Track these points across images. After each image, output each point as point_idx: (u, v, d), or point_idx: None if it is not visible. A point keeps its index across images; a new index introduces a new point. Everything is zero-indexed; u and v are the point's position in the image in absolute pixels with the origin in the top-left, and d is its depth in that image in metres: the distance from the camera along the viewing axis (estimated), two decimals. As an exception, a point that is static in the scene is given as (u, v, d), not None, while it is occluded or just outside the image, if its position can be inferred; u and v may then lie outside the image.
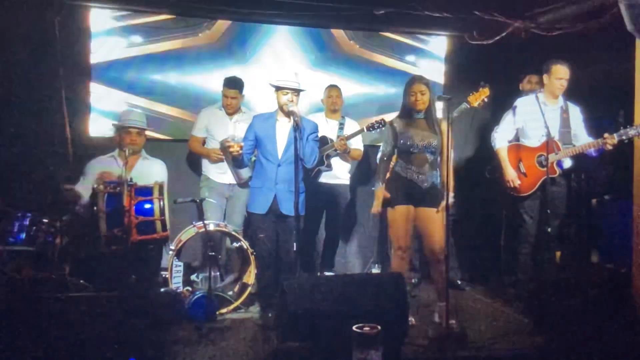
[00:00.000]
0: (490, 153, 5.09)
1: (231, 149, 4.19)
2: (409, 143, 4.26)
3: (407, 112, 4.34)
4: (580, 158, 4.82)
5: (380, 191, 4.37)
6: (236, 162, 4.46)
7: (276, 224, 4.33)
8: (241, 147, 4.20)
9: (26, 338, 3.18)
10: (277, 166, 4.31)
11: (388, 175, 4.44)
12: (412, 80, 4.34)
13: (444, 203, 4.11)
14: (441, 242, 4.18)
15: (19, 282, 3.82)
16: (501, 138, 4.93)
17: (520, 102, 4.89)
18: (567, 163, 4.82)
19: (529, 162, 4.82)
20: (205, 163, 5.29)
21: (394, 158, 4.47)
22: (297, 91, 4.33)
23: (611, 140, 4.45)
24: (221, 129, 5.15)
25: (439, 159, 4.35)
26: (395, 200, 4.30)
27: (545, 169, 4.66)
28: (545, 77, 4.80)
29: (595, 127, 4.75)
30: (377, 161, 4.58)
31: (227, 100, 5.15)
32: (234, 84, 5.16)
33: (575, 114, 4.84)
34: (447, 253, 4.13)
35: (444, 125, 4.25)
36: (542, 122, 4.66)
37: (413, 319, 4.22)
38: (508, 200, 4.99)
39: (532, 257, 4.86)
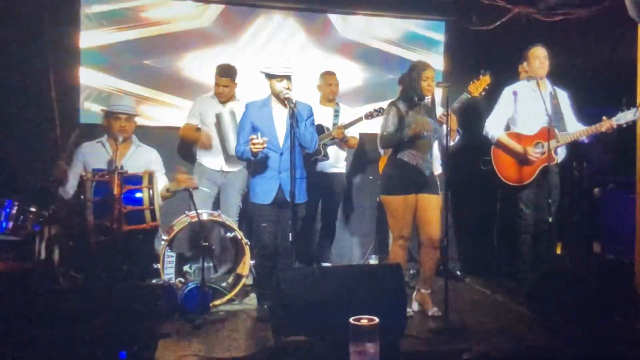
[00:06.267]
0: (483, 144, 4.98)
1: (256, 146, 4.00)
2: (417, 129, 4.14)
3: (411, 97, 4.23)
4: (582, 146, 4.75)
5: None
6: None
7: (279, 214, 4.24)
8: (266, 142, 4.03)
9: (12, 331, 3.09)
10: (279, 154, 4.20)
11: (387, 161, 4.36)
12: (423, 65, 4.25)
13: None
14: (439, 227, 4.17)
15: (4, 274, 3.73)
16: (497, 127, 4.85)
17: (519, 89, 4.81)
18: (562, 152, 4.75)
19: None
20: (199, 150, 5.20)
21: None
22: (290, 77, 4.22)
23: (609, 124, 4.43)
24: (214, 117, 5.04)
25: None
26: (398, 189, 4.22)
27: (543, 156, 4.59)
28: (524, 65, 4.81)
29: (597, 113, 4.67)
30: (381, 140, 4.44)
31: (219, 88, 5.05)
32: (226, 72, 5.05)
33: (564, 99, 4.79)
34: (446, 243, 4.07)
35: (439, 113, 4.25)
36: (539, 109, 4.58)
37: (411, 311, 4.17)
38: (504, 191, 4.91)
39: (533, 247, 4.79)
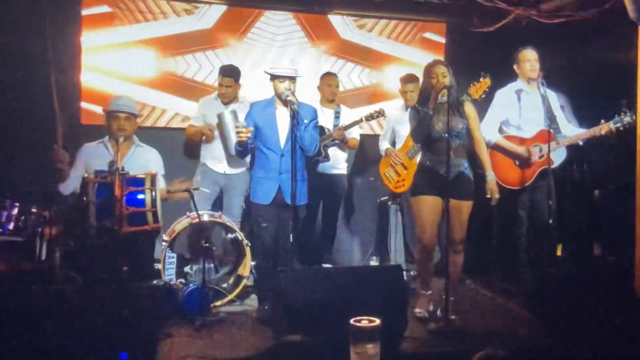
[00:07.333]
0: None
1: (240, 135, 4.06)
2: (431, 130, 4.03)
3: (423, 99, 4.10)
4: (582, 148, 4.74)
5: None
6: (240, 150, 4.27)
7: (279, 214, 4.24)
8: (250, 132, 4.07)
9: (13, 331, 3.09)
10: (280, 156, 4.20)
11: (416, 167, 4.29)
12: (433, 63, 4.17)
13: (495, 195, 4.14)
14: (463, 233, 4.06)
15: (5, 274, 3.72)
16: (491, 130, 4.81)
17: (512, 92, 4.80)
18: (558, 155, 4.74)
19: None
20: (204, 151, 5.19)
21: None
22: (293, 78, 4.22)
23: (607, 127, 4.44)
24: (216, 118, 5.04)
25: (465, 144, 4.13)
26: (422, 190, 4.07)
27: (542, 159, 4.58)
28: (515, 67, 4.81)
29: (597, 116, 4.67)
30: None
31: (222, 89, 5.05)
32: (228, 72, 5.05)
33: (554, 100, 4.78)
34: (447, 244, 4.02)
35: (469, 108, 4.12)
36: (534, 112, 4.59)
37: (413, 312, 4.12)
38: (501, 194, 4.90)
39: (531, 250, 4.78)
